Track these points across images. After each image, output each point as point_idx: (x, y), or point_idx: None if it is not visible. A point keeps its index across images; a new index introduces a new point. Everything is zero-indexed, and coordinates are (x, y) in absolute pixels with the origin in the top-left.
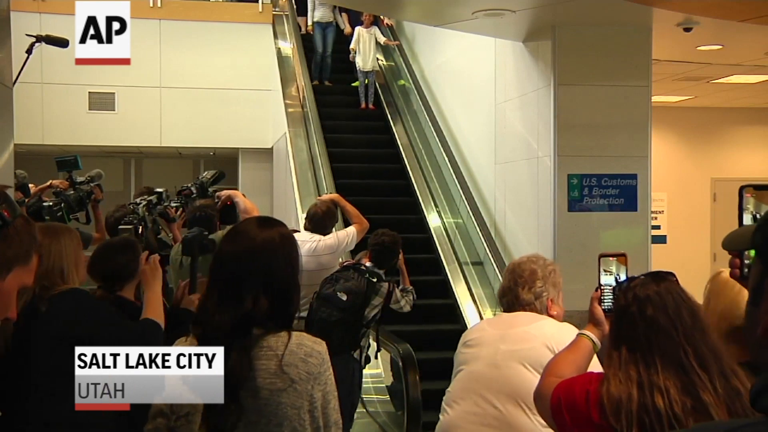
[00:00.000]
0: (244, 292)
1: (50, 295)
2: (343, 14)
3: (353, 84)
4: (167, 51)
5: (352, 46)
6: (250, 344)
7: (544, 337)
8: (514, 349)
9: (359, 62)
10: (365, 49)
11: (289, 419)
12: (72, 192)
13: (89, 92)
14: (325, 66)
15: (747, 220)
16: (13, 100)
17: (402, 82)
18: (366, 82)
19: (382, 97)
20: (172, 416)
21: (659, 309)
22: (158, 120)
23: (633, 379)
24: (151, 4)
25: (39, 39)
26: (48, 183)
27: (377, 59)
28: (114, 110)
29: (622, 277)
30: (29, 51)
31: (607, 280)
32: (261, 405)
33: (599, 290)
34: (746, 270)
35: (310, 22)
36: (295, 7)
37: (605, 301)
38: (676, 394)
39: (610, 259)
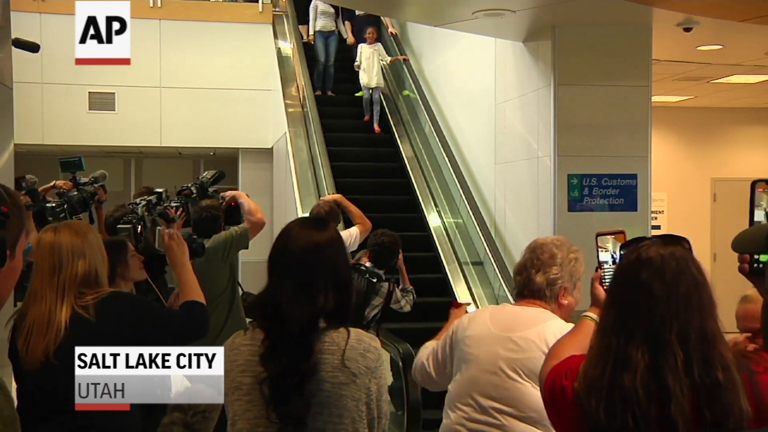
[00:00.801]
0: (317, 288)
1: (93, 300)
2: (347, 23)
3: (357, 94)
4: (167, 51)
5: (356, 63)
6: (317, 339)
7: (545, 344)
8: (513, 357)
9: (364, 78)
10: (369, 66)
11: (349, 410)
12: (75, 193)
13: (89, 92)
14: (328, 75)
15: (759, 216)
16: (13, 100)
17: (407, 92)
18: (371, 96)
19: (386, 109)
20: (189, 411)
21: (656, 274)
22: (158, 120)
23: (611, 351)
24: (151, 4)
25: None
26: (52, 183)
27: (381, 70)
28: (114, 110)
29: (619, 254)
30: None
31: (605, 257)
32: (324, 397)
33: (599, 269)
34: (756, 265)
35: (311, 32)
36: (296, 14)
37: (606, 279)
38: (644, 372)
39: (608, 237)
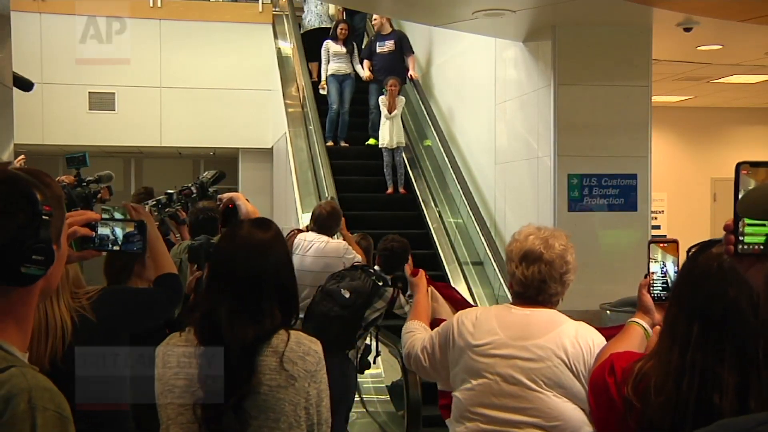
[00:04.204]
0: (263, 308)
1: (88, 301)
2: (365, 62)
3: (368, 143)
4: (167, 51)
5: (384, 113)
6: (257, 349)
7: (563, 352)
8: (531, 367)
9: (385, 138)
10: (391, 123)
11: (286, 415)
12: (78, 189)
13: (89, 92)
14: (343, 123)
15: None
16: (13, 100)
17: (428, 142)
18: (393, 158)
19: (407, 166)
20: None
21: (743, 288)
22: (158, 120)
23: (697, 367)
24: (151, 4)
25: None
26: (59, 180)
27: (403, 124)
28: (114, 110)
29: (669, 264)
30: None
31: (654, 267)
32: (260, 401)
33: (648, 277)
34: (741, 246)
35: (324, 76)
36: (304, 51)
37: (654, 288)
38: (733, 395)
39: (658, 246)
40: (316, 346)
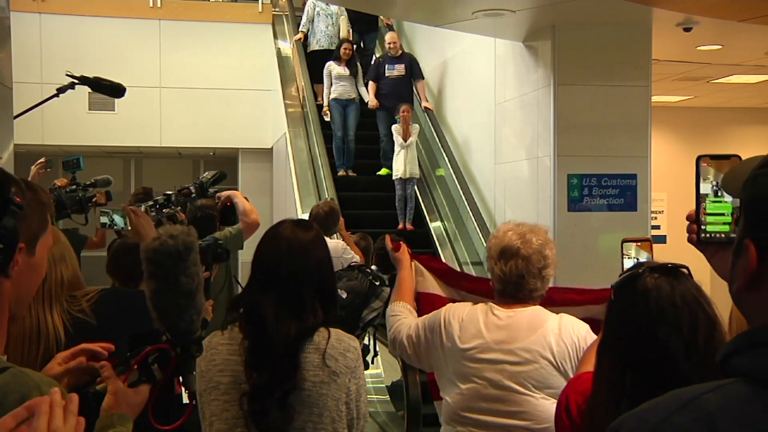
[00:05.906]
0: (305, 306)
1: (87, 303)
2: (370, 84)
3: (379, 173)
4: (167, 51)
5: (398, 142)
6: (301, 346)
7: (549, 352)
8: (519, 370)
9: (399, 169)
10: (405, 153)
11: (329, 410)
12: (71, 193)
13: (89, 92)
14: (349, 152)
15: (706, 189)
16: (13, 100)
17: (441, 171)
18: (404, 191)
19: (420, 200)
20: None
21: (673, 329)
22: (158, 120)
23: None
24: (151, 4)
25: (83, 81)
26: (53, 183)
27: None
28: (114, 110)
29: (643, 261)
30: (62, 89)
31: (629, 264)
32: (304, 396)
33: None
34: (703, 235)
35: (326, 102)
36: (309, 72)
37: None
38: None
39: (632, 244)
40: (354, 343)
